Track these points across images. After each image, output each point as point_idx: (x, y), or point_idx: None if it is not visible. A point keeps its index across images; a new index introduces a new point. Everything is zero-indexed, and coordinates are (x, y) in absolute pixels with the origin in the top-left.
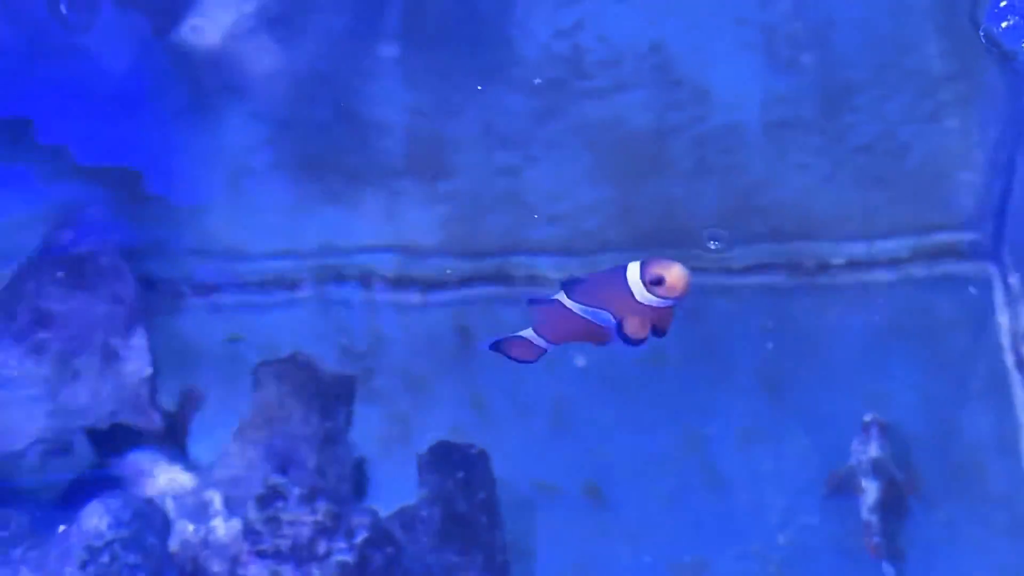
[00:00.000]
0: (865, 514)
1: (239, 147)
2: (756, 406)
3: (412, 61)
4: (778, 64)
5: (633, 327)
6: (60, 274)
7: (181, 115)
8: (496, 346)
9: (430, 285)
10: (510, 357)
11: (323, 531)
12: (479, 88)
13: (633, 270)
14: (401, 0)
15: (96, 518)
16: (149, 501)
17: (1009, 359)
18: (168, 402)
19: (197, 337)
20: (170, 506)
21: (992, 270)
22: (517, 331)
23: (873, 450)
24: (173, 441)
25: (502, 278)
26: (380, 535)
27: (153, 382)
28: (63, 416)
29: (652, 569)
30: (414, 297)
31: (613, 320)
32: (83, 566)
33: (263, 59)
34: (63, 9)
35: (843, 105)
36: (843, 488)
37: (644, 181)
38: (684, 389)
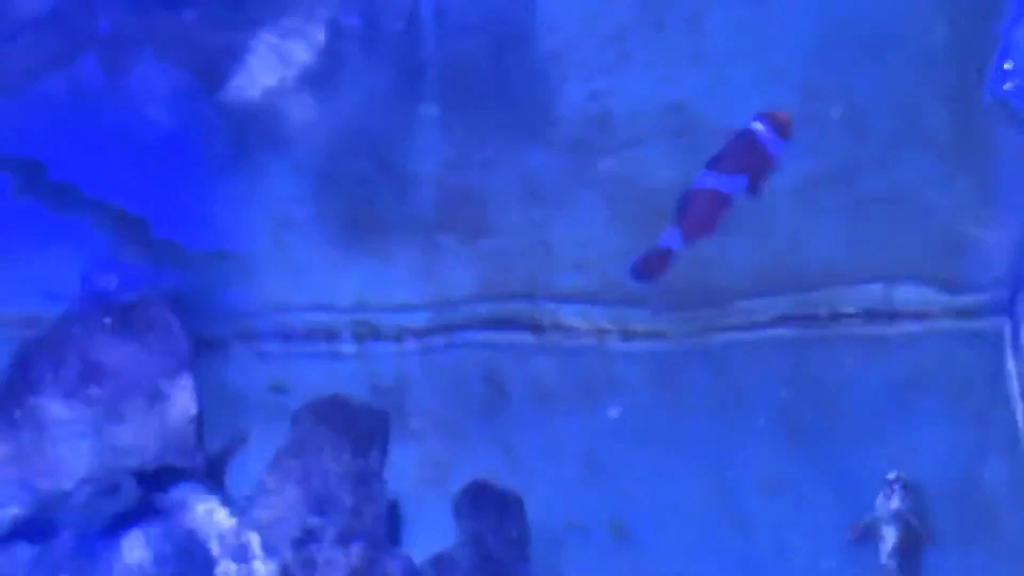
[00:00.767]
0: (884, 559)
1: (281, 199)
2: (779, 454)
3: (450, 120)
4: (800, 121)
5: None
6: (107, 321)
7: (225, 168)
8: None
9: (460, 331)
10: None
11: (357, 574)
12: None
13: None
14: (440, 62)
15: (138, 549)
16: (191, 533)
17: (1020, 408)
18: (212, 444)
19: (240, 383)
20: (213, 544)
21: (1005, 323)
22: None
23: (895, 503)
24: (216, 482)
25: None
26: None
27: (199, 423)
28: (111, 456)
29: None
30: (443, 342)
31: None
32: None
33: (305, 115)
34: (116, 64)
35: (862, 162)
36: (865, 537)
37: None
38: (709, 438)
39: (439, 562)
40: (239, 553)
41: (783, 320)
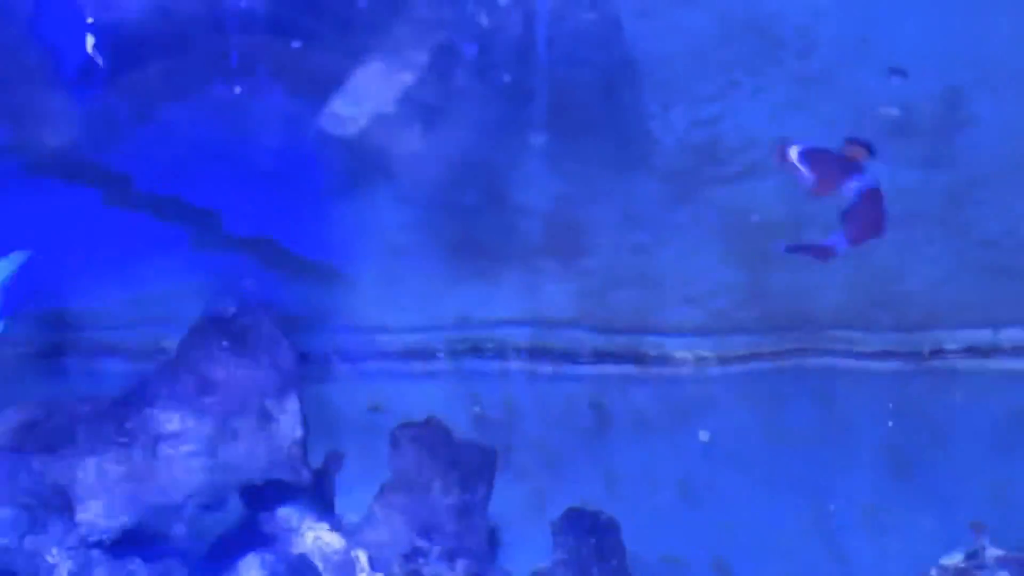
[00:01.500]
0: None
1: (387, 225)
2: (882, 487)
3: (558, 149)
4: (905, 158)
5: None
6: (225, 343)
7: (335, 193)
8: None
9: (565, 360)
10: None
11: None
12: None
13: None
14: (547, 92)
15: (255, 571)
16: (302, 557)
17: None
18: (314, 462)
19: (341, 403)
20: (318, 562)
21: None
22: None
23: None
24: (319, 499)
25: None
26: None
27: (305, 443)
28: (221, 472)
29: None
30: (548, 370)
31: None
32: None
33: (415, 143)
34: (236, 90)
35: (967, 199)
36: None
37: (774, 266)
38: (809, 467)
39: None
40: (347, 569)
41: (887, 354)
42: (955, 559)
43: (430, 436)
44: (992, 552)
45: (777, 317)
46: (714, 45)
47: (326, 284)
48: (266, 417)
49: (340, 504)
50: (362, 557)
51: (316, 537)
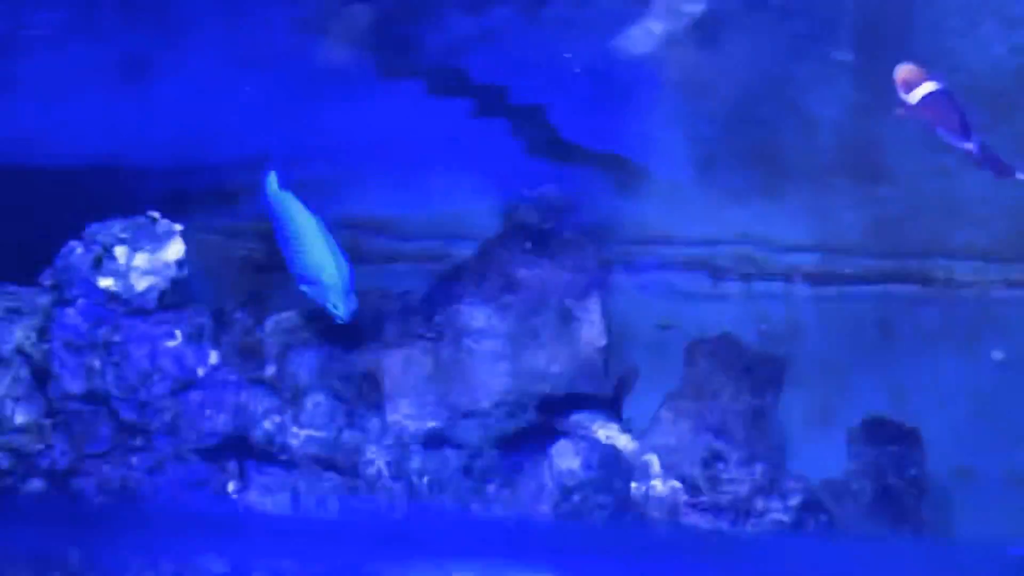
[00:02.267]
0: None
1: (683, 140)
2: None
3: (862, 67)
4: None
5: None
6: (528, 245)
7: (651, 110)
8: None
9: (851, 281)
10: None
11: (760, 491)
12: None
13: None
14: (853, 9)
15: (569, 458)
16: (611, 448)
17: None
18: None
19: (630, 317)
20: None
21: None
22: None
23: None
24: (613, 409)
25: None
26: (813, 501)
27: (607, 352)
28: (524, 378)
29: None
30: (833, 292)
31: None
32: (556, 505)
33: (715, 57)
34: None
35: None
36: None
37: None
38: None
39: (833, 488)
40: (641, 472)
41: None
42: None
43: (724, 349)
44: None
45: None
46: None
47: (618, 196)
48: (567, 318)
49: (630, 411)
50: (654, 462)
51: (608, 437)
